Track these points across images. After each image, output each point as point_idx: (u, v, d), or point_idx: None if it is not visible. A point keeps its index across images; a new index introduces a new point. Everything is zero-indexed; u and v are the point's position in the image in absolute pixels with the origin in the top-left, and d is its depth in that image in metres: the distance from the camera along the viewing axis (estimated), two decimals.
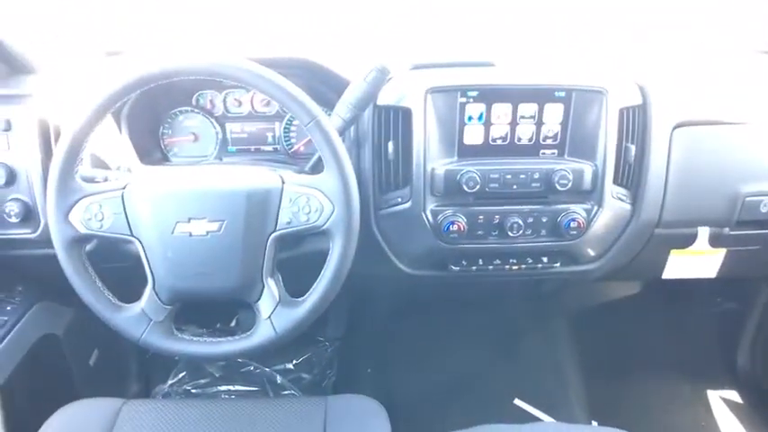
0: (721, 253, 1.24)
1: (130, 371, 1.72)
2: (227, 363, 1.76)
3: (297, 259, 1.07)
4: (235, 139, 1.29)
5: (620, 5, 1.51)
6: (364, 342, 1.82)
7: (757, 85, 1.22)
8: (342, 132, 1.02)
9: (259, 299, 0.96)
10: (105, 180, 1.02)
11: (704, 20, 1.50)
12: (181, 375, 1.75)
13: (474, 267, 1.20)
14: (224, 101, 1.27)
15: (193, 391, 1.72)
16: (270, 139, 1.30)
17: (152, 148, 1.26)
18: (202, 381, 1.74)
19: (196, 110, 1.27)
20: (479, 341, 1.81)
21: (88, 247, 0.97)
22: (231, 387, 1.74)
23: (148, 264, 0.94)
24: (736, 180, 1.16)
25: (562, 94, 1.10)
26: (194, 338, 0.99)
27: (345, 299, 1.00)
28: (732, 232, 1.20)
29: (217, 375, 1.76)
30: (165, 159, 1.28)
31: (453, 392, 1.63)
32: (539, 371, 1.76)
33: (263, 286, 0.95)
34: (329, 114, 1.00)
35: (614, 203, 1.14)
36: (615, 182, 1.13)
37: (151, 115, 1.25)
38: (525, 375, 1.74)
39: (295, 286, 0.98)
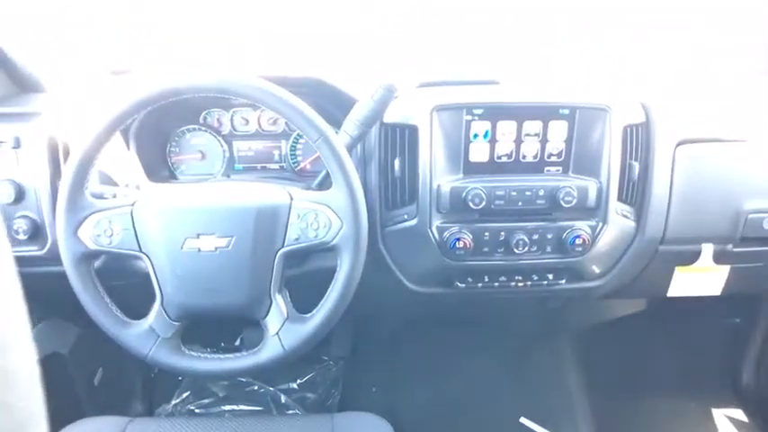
0: (725, 270, 1.24)
1: (135, 390, 1.71)
2: (231, 382, 1.75)
3: (304, 276, 1.08)
4: (242, 157, 1.30)
5: (621, 20, 1.53)
6: (369, 361, 1.81)
7: (758, 104, 1.23)
8: (350, 149, 1.03)
9: (267, 315, 0.96)
10: (114, 197, 1.03)
11: (707, 42, 1.52)
12: (185, 395, 1.74)
13: (480, 284, 1.20)
14: (231, 119, 1.28)
15: (197, 410, 1.71)
16: (276, 157, 1.30)
17: (159, 166, 1.27)
18: (206, 400, 1.73)
19: (203, 128, 1.28)
20: (485, 359, 1.80)
21: (96, 264, 0.97)
22: (235, 407, 1.72)
23: (157, 280, 0.94)
24: (739, 197, 1.17)
25: (566, 111, 1.11)
26: (202, 355, 0.98)
27: (350, 317, 1.00)
28: (736, 249, 1.21)
29: (221, 395, 1.74)
30: (172, 177, 1.29)
31: (459, 410, 1.62)
32: (544, 389, 1.75)
33: (271, 302, 0.95)
34: (337, 132, 1.01)
35: (619, 220, 1.15)
36: (619, 199, 1.14)
37: (159, 133, 1.26)
38: (531, 393, 1.73)
39: (302, 303, 0.98)
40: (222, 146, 1.29)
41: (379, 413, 1.09)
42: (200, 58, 1.46)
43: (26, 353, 0.39)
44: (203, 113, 1.28)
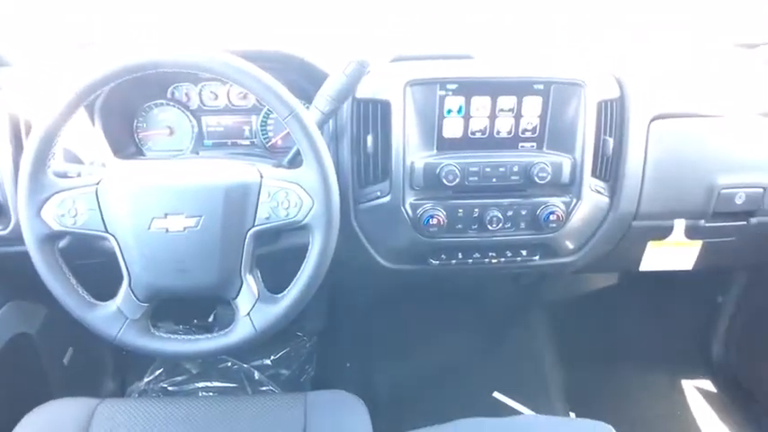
0: (697, 245, 1.26)
1: (106, 369, 1.69)
2: (204, 359, 1.74)
3: (275, 255, 1.06)
4: (211, 132, 1.27)
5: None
6: (343, 337, 1.81)
7: (734, 78, 1.23)
8: (321, 126, 1.01)
9: (237, 295, 0.94)
10: (79, 175, 1.00)
11: (685, 13, 1.52)
12: (157, 373, 1.73)
13: (453, 261, 1.20)
14: (200, 94, 1.25)
15: (170, 388, 1.70)
16: (247, 133, 1.28)
17: (126, 142, 1.24)
18: (179, 378, 1.72)
19: (171, 103, 1.25)
20: (459, 334, 1.82)
21: (61, 244, 0.95)
22: (209, 384, 1.72)
23: (124, 261, 0.92)
24: (712, 172, 1.18)
25: (540, 86, 1.10)
26: (171, 336, 0.97)
27: (324, 294, 1.00)
28: (708, 224, 1.22)
29: (194, 372, 1.74)
30: (139, 153, 1.26)
31: (433, 386, 1.63)
32: (518, 363, 1.77)
33: (242, 283, 0.94)
34: (308, 107, 0.99)
35: (592, 196, 1.15)
36: (593, 174, 1.14)
37: (125, 108, 1.23)
38: (504, 368, 1.75)
39: (274, 282, 0.97)
40: (191, 121, 1.26)
41: (353, 389, 1.10)
42: (167, 32, 1.42)
43: None
44: (171, 88, 1.24)
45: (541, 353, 1.80)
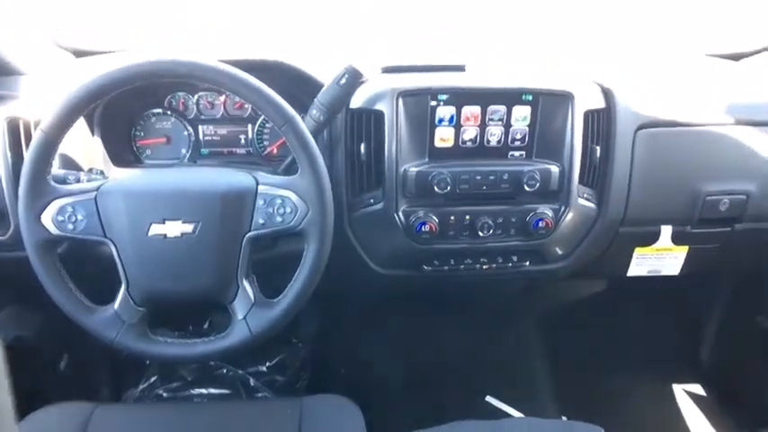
0: (684, 250, 1.28)
1: (101, 375, 1.70)
2: (199, 366, 1.75)
3: (271, 260, 1.08)
4: (207, 141, 1.29)
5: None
6: (337, 342, 1.82)
7: (717, 88, 1.26)
8: (316, 134, 1.03)
9: (234, 300, 0.96)
10: (78, 182, 1.02)
11: (656, 23, 1.57)
12: (153, 379, 1.73)
13: (446, 267, 1.22)
14: (197, 103, 1.27)
15: (165, 395, 1.70)
16: (243, 142, 1.30)
17: (124, 151, 1.25)
18: (174, 384, 1.72)
19: (168, 112, 1.26)
20: (452, 339, 1.83)
21: (60, 249, 0.96)
22: (203, 390, 1.71)
23: (122, 265, 0.93)
24: (697, 180, 1.20)
25: (530, 97, 1.12)
26: (169, 340, 0.99)
27: (318, 300, 1.01)
28: (694, 230, 1.25)
29: (189, 379, 1.73)
30: (137, 161, 1.27)
31: (427, 390, 1.65)
32: (510, 367, 1.79)
33: (238, 287, 0.96)
34: (303, 117, 1.02)
35: (581, 203, 1.17)
36: (581, 182, 1.16)
37: (123, 117, 1.24)
38: (497, 372, 1.77)
39: (270, 287, 0.99)
40: (188, 130, 1.28)
41: (349, 394, 1.11)
42: (164, 42, 1.44)
43: None
44: (168, 97, 1.26)
45: (534, 357, 1.82)
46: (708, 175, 1.21)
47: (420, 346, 1.81)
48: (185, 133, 1.28)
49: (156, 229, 0.92)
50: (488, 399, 1.69)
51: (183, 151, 1.29)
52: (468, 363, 1.79)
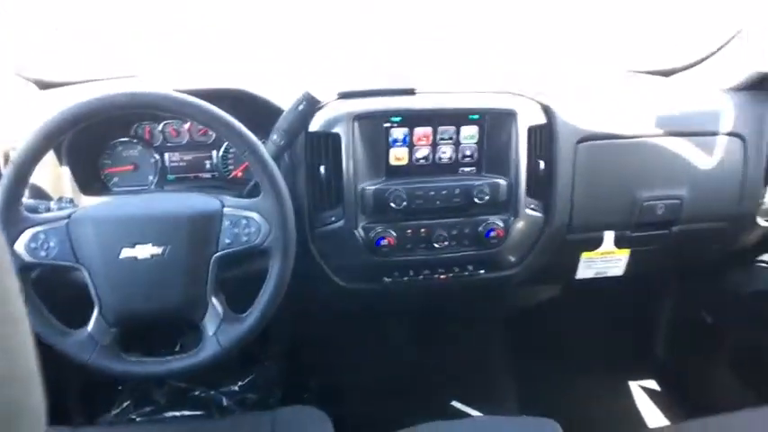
0: (626, 253, 1.36)
1: (74, 401, 1.70)
2: (171, 389, 1.76)
3: (238, 278, 1.13)
4: (174, 167, 1.32)
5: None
6: (308, 357, 1.86)
7: (645, 101, 1.35)
8: (277, 158, 1.08)
9: (204, 317, 1.01)
10: (48, 210, 1.05)
11: (578, 42, 1.67)
12: (126, 404, 1.73)
13: (405, 278, 1.27)
14: (162, 131, 1.30)
15: (138, 419, 1.71)
16: (208, 167, 1.34)
17: (92, 179, 1.28)
18: (147, 408, 1.72)
19: (135, 140, 1.30)
20: (417, 347, 1.89)
21: (33, 275, 0.99)
22: (177, 413, 1.72)
23: (95, 289, 0.97)
24: (634, 187, 1.29)
25: (476, 116, 1.20)
26: (141, 359, 1.02)
27: (287, 316, 1.06)
28: (633, 234, 1.33)
29: (162, 402, 1.74)
30: (105, 189, 1.30)
31: (395, 397, 1.69)
32: (474, 373, 1.85)
33: (208, 305, 1.00)
34: (264, 142, 1.07)
35: (528, 213, 1.25)
36: (528, 194, 1.23)
37: (91, 147, 1.27)
38: (462, 377, 1.83)
39: (238, 303, 1.03)
40: (154, 157, 1.31)
41: (321, 405, 1.14)
42: (121, 72, 1.47)
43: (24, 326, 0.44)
44: (134, 126, 1.29)
45: (496, 361, 1.89)
46: (644, 182, 1.30)
47: (388, 356, 1.85)
48: (152, 160, 1.31)
49: (126, 253, 0.96)
50: (454, 403, 1.75)
51: (151, 178, 1.32)
52: (434, 369, 1.85)
